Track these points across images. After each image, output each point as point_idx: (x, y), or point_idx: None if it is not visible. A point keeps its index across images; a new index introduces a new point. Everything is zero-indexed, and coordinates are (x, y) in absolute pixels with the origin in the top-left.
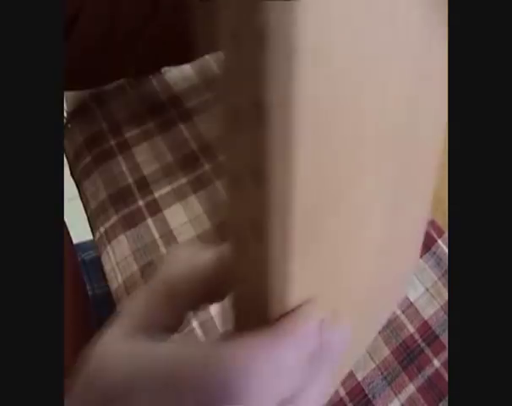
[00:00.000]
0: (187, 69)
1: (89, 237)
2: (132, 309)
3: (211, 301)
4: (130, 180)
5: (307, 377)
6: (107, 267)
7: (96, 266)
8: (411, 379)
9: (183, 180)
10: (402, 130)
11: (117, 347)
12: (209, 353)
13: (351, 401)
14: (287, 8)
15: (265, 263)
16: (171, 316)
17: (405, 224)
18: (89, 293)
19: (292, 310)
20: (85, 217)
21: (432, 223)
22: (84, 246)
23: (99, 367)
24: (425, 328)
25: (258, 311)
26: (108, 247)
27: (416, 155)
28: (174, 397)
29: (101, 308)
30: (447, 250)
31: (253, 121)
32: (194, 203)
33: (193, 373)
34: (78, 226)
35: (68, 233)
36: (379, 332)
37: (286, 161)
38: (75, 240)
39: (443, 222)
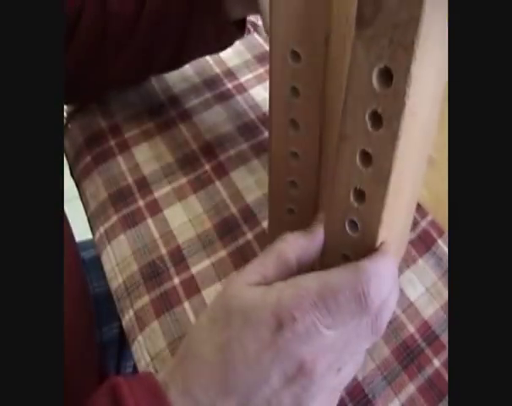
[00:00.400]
0: (186, 69)
1: (90, 236)
2: (252, 269)
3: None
4: (130, 180)
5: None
6: (107, 267)
7: (96, 264)
8: (411, 379)
9: (183, 180)
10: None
11: (242, 286)
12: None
13: (351, 401)
14: None
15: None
16: (276, 279)
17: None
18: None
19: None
20: (85, 217)
21: (432, 223)
22: (84, 245)
23: (230, 294)
24: (425, 328)
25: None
26: (108, 247)
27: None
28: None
29: (101, 307)
30: (447, 250)
31: None
32: (194, 203)
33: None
34: (78, 225)
35: (71, 232)
36: None
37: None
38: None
39: (443, 223)
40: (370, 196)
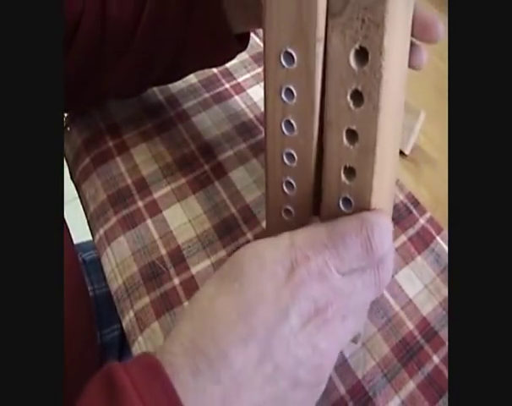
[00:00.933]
0: None
1: (90, 237)
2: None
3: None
4: (129, 181)
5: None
6: (107, 269)
7: (97, 266)
8: (410, 376)
9: (182, 180)
10: None
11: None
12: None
13: (351, 399)
14: None
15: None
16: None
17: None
18: (90, 293)
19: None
20: (85, 218)
21: (430, 220)
22: (84, 246)
23: (240, 252)
24: (424, 325)
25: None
26: (108, 249)
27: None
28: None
29: (102, 309)
30: (445, 247)
31: None
32: (194, 203)
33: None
34: (78, 226)
35: (69, 234)
36: (379, 329)
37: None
38: (75, 241)
39: (443, 223)
40: (360, 171)
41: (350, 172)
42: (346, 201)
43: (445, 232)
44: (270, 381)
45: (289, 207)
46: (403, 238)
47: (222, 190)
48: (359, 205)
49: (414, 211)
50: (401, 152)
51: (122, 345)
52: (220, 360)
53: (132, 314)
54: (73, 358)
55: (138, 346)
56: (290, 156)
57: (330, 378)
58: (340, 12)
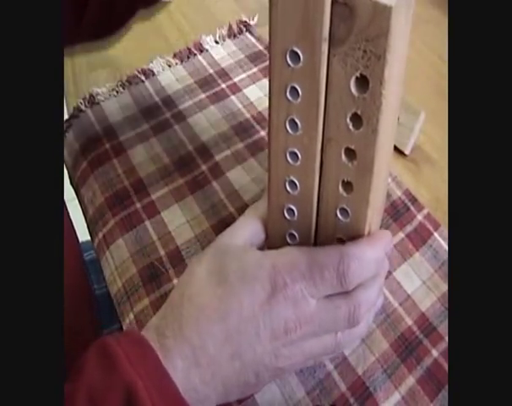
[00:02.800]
0: (180, 70)
1: (90, 237)
2: (241, 235)
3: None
4: (126, 183)
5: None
6: (107, 273)
7: (97, 266)
8: (410, 371)
9: (180, 181)
10: None
11: (240, 250)
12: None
13: (352, 395)
14: None
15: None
16: (262, 244)
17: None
18: None
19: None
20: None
21: (428, 217)
22: (84, 246)
23: (230, 255)
24: (422, 320)
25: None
26: (107, 252)
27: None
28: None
29: (102, 308)
30: (443, 243)
31: None
32: (192, 204)
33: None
34: (78, 226)
35: (75, 234)
36: (377, 326)
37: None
38: None
39: (442, 221)
40: (357, 186)
41: (348, 185)
42: (344, 211)
43: (443, 228)
44: (239, 373)
45: (291, 206)
46: (401, 234)
47: (220, 190)
48: (356, 215)
49: (412, 208)
50: (401, 152)
51: None
52: (202, 349)
53: (132, 316)
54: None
55: None
56: (293, 154)
57: (331, 375)
58: (343, 41)
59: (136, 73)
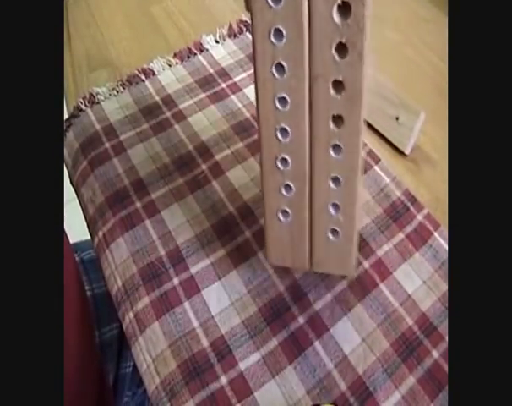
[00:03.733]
0: (180, 70)
1: (88, 236)
2: None
3: None
4: (127, 182)
5: None
6: (107, 272)
7: (95, 265)
8: (410, 371)
9: (180, 180)
10: None
11: None
12: None
13: (352, 395)
14: None
15: None
16: None
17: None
18: (89, 293)
19: None
20: (84, 217)
21: (428, 217)
22: (83, 245)
23: None
24: (423, 320)
25: None
26: (107, 251)
27: None
28: None
29: (100, 307)
30: (443, 243)
31: None
32: (192, 203)
33: None
34: (77, 226)
35: (65, 234)
36: (378, 325)
37: None
38: (74, 240)
39: (442, 221)
40: (348, 118)
41: (338, 119)
42: (337, 147)
43: (442, 228)
44: None
45: (285, 156)
46: (401, 235)
47: (220, 189)
48: (349, 149)
49: (411, 208)
50: (401, 152)
51: (121, 344)
52: None
53: (132, 315)
54: (71, 357)
55: (139, 347)
56: (282, 100)
57: (331, 374)
58: None
59: (136, 72)
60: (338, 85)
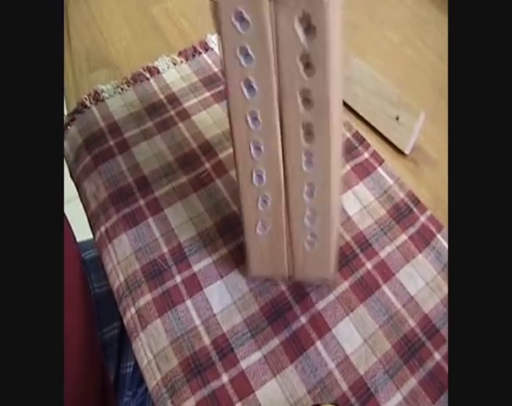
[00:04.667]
0: (185, 69)
1: (89, 236)
2: None
3: None
4: (130, 180)
5: None
6: (108, 267)
7: (96, 265)
8: (412, 372)
9: (183, 179)
10: None
11: None
12: None
13: (353, 395)
14: None
15: None
16: None
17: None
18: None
19: None
20: (85, 217)
21: (431, 218)
22: (83, 245)
23: None
24: (425, 322)
25: None
26: (109, 246)
27: None
28: None
29: (101, 307)
30: (446, 245)
31: None
32: (195, 201)
33: None
34: (78, 225)
35: (72, 232)
36: (380, 326)
37: None
38: None
39: (443, 221)
40: (317, 132)
41: (308, 134)
42: (309, 161)
43: (446, 229)
44: None
45: (259, 171)
46: (404, 236)
47: (223, 188)
48: (320, 161)
49: (414, 210)
50: (401, 152)
51: (121, 344)
52: None
53: (133, 310)
54: (73, 356)
55: (140, 343)
56: (254, 118)
57: (332, 374)
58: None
59: (141, 70)
60: (307, 101)
